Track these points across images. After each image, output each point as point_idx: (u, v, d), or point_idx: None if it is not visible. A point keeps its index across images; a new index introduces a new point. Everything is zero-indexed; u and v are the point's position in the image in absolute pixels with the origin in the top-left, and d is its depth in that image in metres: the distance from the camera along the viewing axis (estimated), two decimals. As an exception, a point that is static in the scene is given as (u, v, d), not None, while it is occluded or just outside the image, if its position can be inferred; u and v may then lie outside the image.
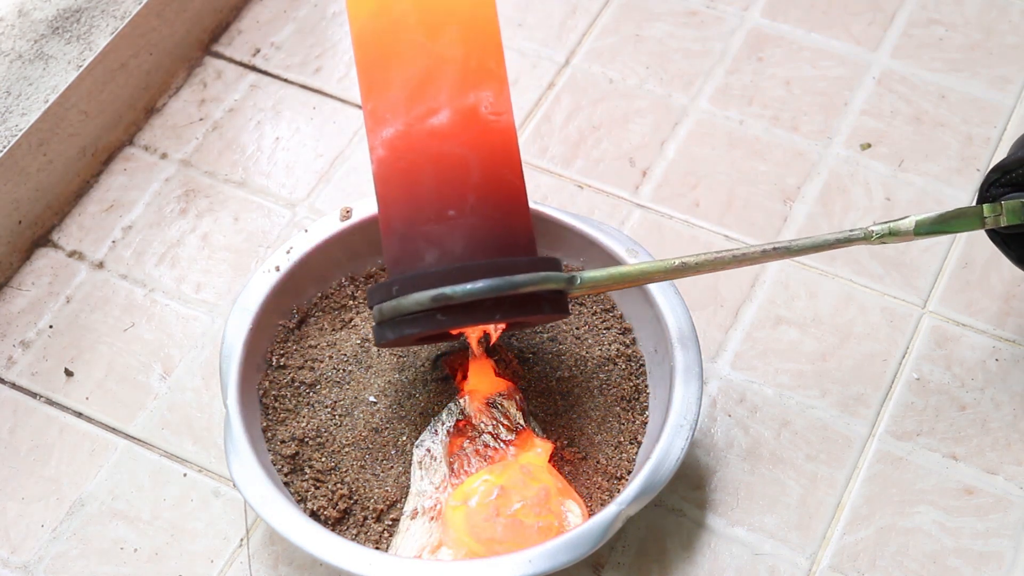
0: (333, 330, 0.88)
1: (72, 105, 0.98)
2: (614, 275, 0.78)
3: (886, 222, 0.79)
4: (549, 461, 0.80)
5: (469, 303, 0.73)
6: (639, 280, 0.79)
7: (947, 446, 0.86)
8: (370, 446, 0.82)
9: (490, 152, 0.75)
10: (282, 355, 0.86)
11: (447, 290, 0.72)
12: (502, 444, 0.80)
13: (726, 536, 0.83)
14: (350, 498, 0.81)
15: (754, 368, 0.90)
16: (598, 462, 0.82)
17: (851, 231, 0.79)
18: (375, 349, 0.86)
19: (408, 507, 0.80)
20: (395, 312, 0.74)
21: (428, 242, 0.74)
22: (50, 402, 0.90)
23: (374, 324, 0.77)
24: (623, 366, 0.86)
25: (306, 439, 0.83)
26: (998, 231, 0.83)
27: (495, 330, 0.80)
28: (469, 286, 0.72)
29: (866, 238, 0.79)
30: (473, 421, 0.81)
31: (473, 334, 0.80)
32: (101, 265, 0.97)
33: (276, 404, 0.85)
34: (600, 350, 0.86)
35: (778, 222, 0.97)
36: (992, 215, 0.80)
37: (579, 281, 0.76)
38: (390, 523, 0.80)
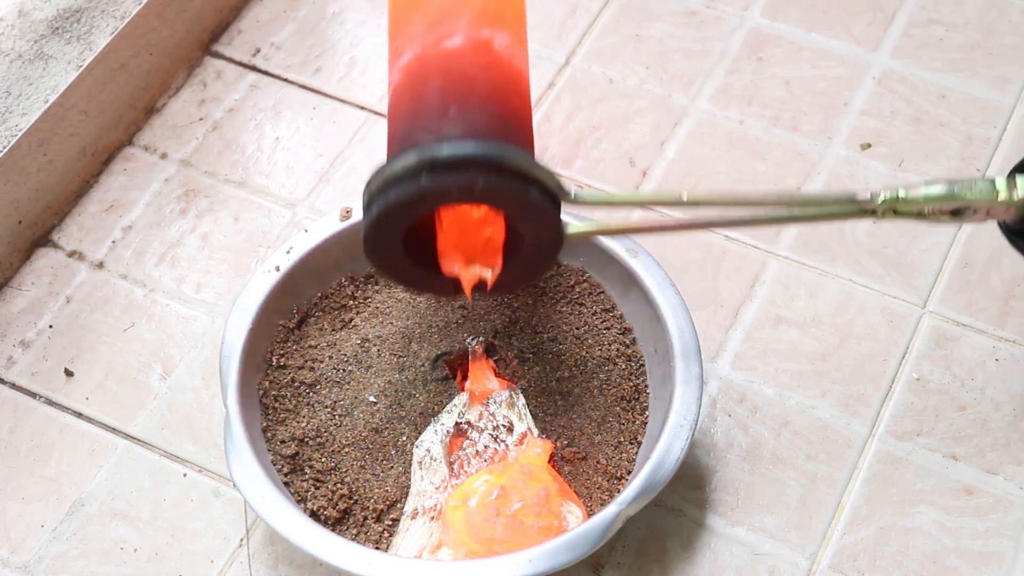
0: (333, 330, 0.88)
1: (72, 105, 0.98)
2: (615, 197, 0.75)
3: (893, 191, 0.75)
4: (549, 461, 0.80)
5: (455, 165, 0.69)
6: (639, 204, 0.76)
7: (947, 446, 0.86)
8: (370, 446, 0.82)
9: (499, 78, 0.74)
10: (282, 355, 0.86)
11: (433, 148, 0.69)
12: (502, 444, 0.80)
13: (726, 536, 0.83)
14: (350, 498, 0.81)
15: (754, 368, 0.90)
16: (598, 462, 0.82)
17: (855, 196, 0.74)
18: (375, 349, 0.86)
19: (408, 507, 0.80)
20: (381, 182, 0.70)
21: (426, 131, 0.71)
22: (50, 402, 0.90)
23: (363, 225, 0.73)
24: (623, 366, 0.86)
25: (306, 439, 0.83)
26: (1010, 227, 0.80)
27: (492, 272, 0.77)
28: (457, 144, 0.69)
29: (870, 211, 0.74)
30: (473, 421, 0.81)
31: (466, 274, 0.77)
32: (101, 265, 0.97)
33: (276, 404, 0.85)
34: (600, 350, 0.86)
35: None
36: (1006, 190, 0.75)
37: (575, 194, 0.73)
38: (390, 523, 0.80)
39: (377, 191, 0.71)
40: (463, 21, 0.75)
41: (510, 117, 0.73)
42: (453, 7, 0.75)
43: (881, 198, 0.74)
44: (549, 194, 0.72)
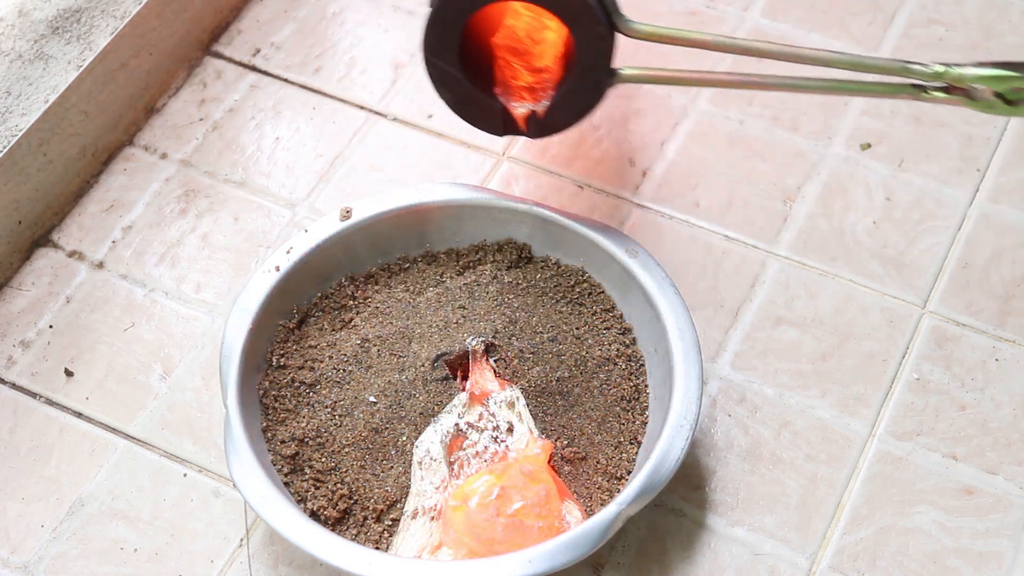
0: (333, 330, 0.88)
1: (72, 105, 0.98)
2: (666, 32, 0.75)
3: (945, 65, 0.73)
4: (549, 461, 0.80)
5: None
6: (691, 43, 0.76)
7: (947, 446, 0.86)
8: (370, 446, 0.82)
9: None
10: (282, 355, 0.86)
11: None
12: (502, 445, 0.80)
13: (726, 536, 0.83)
14: (350, 498, 0.81)
15: (754, 368, 0.90)
16: (598, 462, 0.82)
17: (907, 65, 0.73)
18: (375, 349, 0.86)
19: (408, 507, 0.80)
20: None
21: None
22: (50, 402, 0.90)
23: (427, 20, 0.73)
24: (623, 366, 0.86)
25: (306, 439, 0.83)
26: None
27: (542, 103, 0.76)
28: None
29: (919, 88, 0.72)
30: (473, 422, 0.81)
31: (521, 104, 0.77)
32: (101, 265, 0.97)
33: (276, 404, 0.85)
34: (600, 350, 0.86)
35: (778, 222, 0.97)
36: None
37: (626, 20, 0.74)
38: (390, 523, 0.80)
39: None
40: None
41: None
42: None
43: (933, 70, 0.72)
44: (603, 7, 0.72)
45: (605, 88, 0.76)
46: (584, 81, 0.76)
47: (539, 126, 0.79)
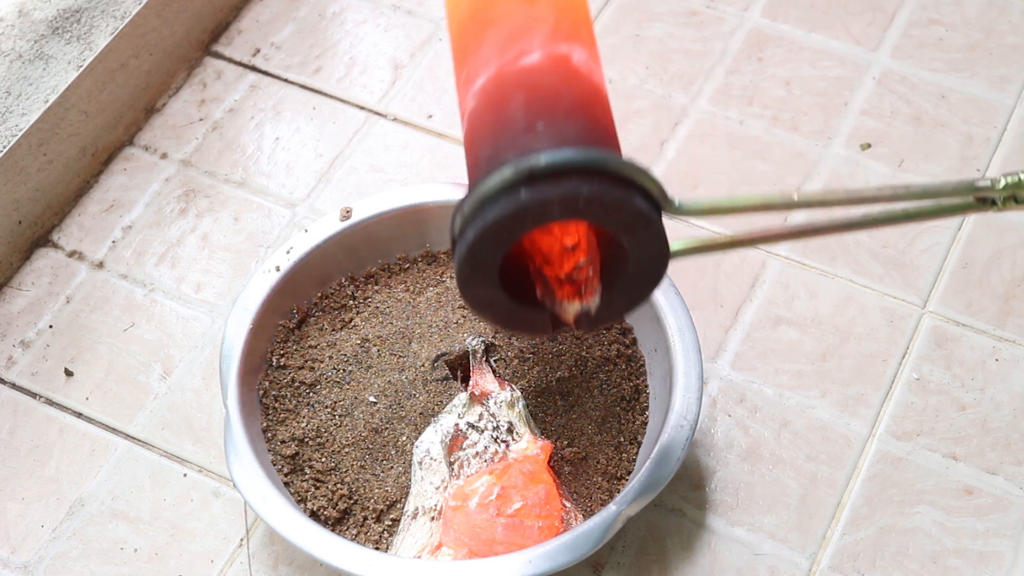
0: (333, 330, 0.88)
1: (72, 105, 0.98)
2: (721, 203, 0.68)
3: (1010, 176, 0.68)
4: (548, 462, 0.80)
5: (556, 173, 0.63)
6: (748, 209, 0.69)
7: (947, 446, 0.86)
8: (370, 446, 0.82)
9: (583, 92, 0.69)
10: (282, 355, 0.86)
11: (529, 159, 0.63)
12: (502, 445, 0.80)
13: (726, 536, 0.83)
14: (350, 498, 0.81)
15: (754, 368, 0.90)
16: (598, 462, 0.82)
17: (974, 183, 0.68)
18: (375, 349, 0.86)
19: (408, 507, 0.80)
20: (474, 202, 0.64)
21: (513, 150, 0.65)
22: (50, 402, 0.90)
23: (456, 256, 0.66)
24: (623, 366, 0.86)
25: (306, 439, 0.83)
26: None
27: (591, 302, 0.70)
28: (556, 152, 0.63)
29: (989, 201, 0.68)
30: (473, 422, 0.81)
31: (565, 307, 0.70)
32: (101, 265, 0.97)
33: (276, 404, 0.85)
34: (600, 350, 0.86)
35: (778, 222, 0.97)
36: None
37: (678, 203, 0.66)
38: (390, 523, 0.80)
39: (470, 213, 0.65)
40: (538, 38, 0.70)
41: (600, 130, 0.68)
42: (525, 25, 0.71)
43: (1003, 183, 0.68)
44: (654, 203, 0.66)
45: (662, 272, 0.69)
46: (638, 274, 0.69)
47: (590, 323, 0.71)
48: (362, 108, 1.05)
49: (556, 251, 0.70)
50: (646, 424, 0.84)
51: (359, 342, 0.87)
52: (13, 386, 0.91)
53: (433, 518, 0.78)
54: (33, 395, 0.91)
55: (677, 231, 0.95)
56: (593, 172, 0.64)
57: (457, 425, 0.81)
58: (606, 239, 0.70)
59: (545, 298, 0.71)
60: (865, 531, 0.83)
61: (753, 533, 0.83)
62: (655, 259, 0.68)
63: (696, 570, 0.82)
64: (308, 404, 0.85)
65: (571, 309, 0.71)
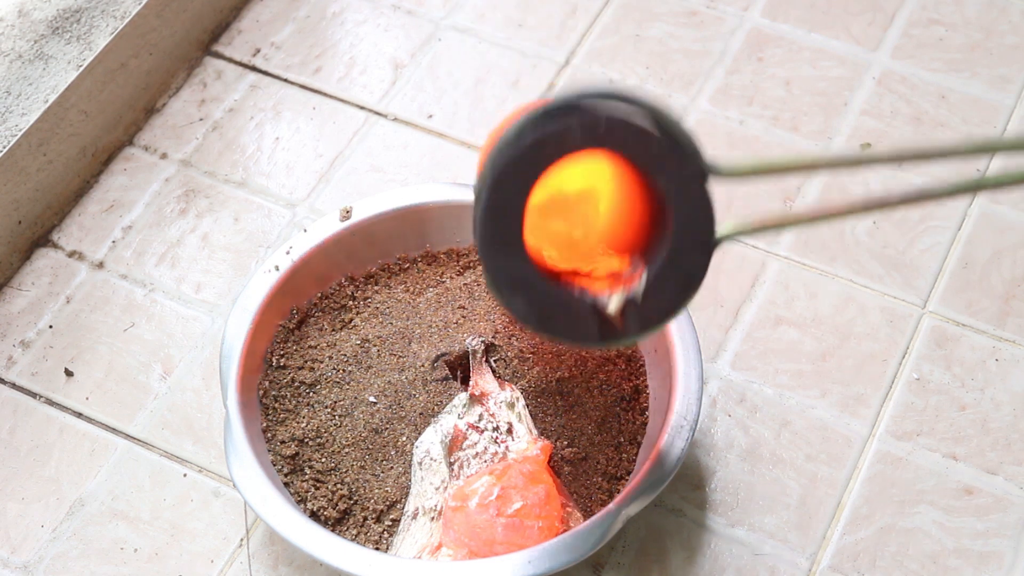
0: (333, 330, 0.88)
1: (72, 105, 0.98)
2: (773, 163, 0.63)
3: None
4: (548, 462, 0.80)
5: (572, 105, 0.60)
6: (805, 168, 0.63)
7: (947, 446, 0.86)
8: (370, 446, 0.82)
9: None
10: (282, 355, 0.86)
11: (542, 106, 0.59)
12: (502, 445, 0.80)
13: (726, 536, 0.83)
14: (350, 498, 0.81)
15: (754, 368, 0.90)
16: (598, 462, 0.82)
17: None
18: (375, 349, 0.86)
19: (408, 507, 0.80)
20: (496, 150, 0.59)
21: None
22: (50, 402, 0.91)
23: (475, 214, 0.61)
24: (623, 366, 0.86)
25: (306, 439, 0.83)
26: None
27: (635, 283, 0.62)
28: (605, 90, 0.59)
29: None
30: (473, 422, 0.81)
31: (612, 294, 0.62)
32: (101, 265, 0.97)
33: (276, 404, 0.85)
34: (600, 350, 0.86)
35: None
36: None
37: (718, 166, 0.60)
38: (390, 523, 0.80)
39: (491, 163, 0.60)
40: None
41: None
42: None
43: None
44: (696, 157, 0.59)
45: (712, 251, 0.61)
46: (684, 249, 0.61)
47: (640, 318, 0.63)
48: (362, 108, 1.05)
49: (582, 250, 0.64)
50: (646, 424, 0.84)
51: (359, 342, 0.87)
52: (13, 386, 0.91)
53: (433, 518, 0.78)
54: (33, 395, 0.91)
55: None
56: (613, 96, 0.59)
57: (457, 426, 0.81)
58: (646, 215, 0.63)
59: (583, 295, 0.64)
60: (865, 531, 0.83)
61: (753, 533, 0.83)
62: (700, 223, 0.61)
63: (696, 570, 0.82)
64: (308, 404, 0.85)
65: (614, 301, 0.64)
